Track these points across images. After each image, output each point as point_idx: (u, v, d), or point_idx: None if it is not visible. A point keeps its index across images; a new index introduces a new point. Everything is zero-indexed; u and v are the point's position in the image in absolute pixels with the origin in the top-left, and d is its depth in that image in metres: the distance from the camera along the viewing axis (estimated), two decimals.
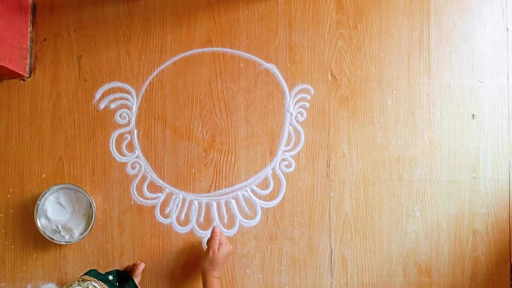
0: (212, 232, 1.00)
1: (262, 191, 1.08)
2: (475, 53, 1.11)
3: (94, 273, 0.98)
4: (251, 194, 1.08)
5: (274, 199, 1.08)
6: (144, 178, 1.07)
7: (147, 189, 1.07)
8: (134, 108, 1.08)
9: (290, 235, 1.08)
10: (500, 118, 1.10)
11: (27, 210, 1.05)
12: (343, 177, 1.08)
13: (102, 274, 1.00)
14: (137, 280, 1.00)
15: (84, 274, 0.98)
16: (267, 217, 1.08)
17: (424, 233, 1.08)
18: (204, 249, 1.06)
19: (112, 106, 1.08)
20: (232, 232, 1.07)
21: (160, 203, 1.07)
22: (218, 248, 0.98)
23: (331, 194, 1.08)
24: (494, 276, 1.09)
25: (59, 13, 1.08)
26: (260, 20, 1.09)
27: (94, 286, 0.93)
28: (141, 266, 1.03)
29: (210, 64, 1.08)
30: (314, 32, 1.09)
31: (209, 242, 1.00)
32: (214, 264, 0.97)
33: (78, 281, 0.95)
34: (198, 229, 1.07)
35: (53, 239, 1.02)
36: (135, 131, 1.07)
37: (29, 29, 1.07)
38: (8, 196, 1.06)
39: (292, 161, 1.08)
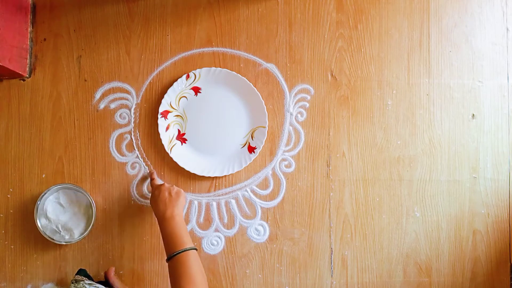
0: (150, 173, 1.05)
1: (262, 191, 1.08)
2: (475, 53, 1.11)
3: (84, 273, 0.98)
4: (251, 194, 1.08)
5: (274, 199, 1.08)
6: (144, 178, 1.07)
7: (147, 189, 1.07)
8: (134, 108, 1.08)
9: (290, 235, 1.08)
10: (500, 118, 1.10)
11: (27, 210, 1.06)
12: (343, 177, 1.08)
13: (90, 276, 0.99)
14: (118, 284, 0.99)
15: (75, 275, 0.98)
16: (267, 217, 1.08)
17: (424, 233, 1.09)
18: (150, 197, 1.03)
19: (112, 106, 1.08)
20: (232, 232, 1.07)
21: None
22: None
23: (331, 194, 1.08)
24: (494, 276, 1.09)
25: (59, 13, 1.08)
26: (260, 20, 1.09)
27: (88, 284, 0.93)
28: (111, 271, 1.00)
29: (210, 64, 1.08)
30: (314, 32, 1.09)
31: (154, 182, 1.02)
32: (178, 198, 0.96)
33: (72, 282, 0.95)
34: (198, 229, 1.07)
35: (53, 239, 1.02)
36: (135, 131, 1.07)
37: (29, 29, 1.07)
38: (8, 196, 1.06)
39: (292, 161, 1.08)
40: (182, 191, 0.99)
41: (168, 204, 0.94)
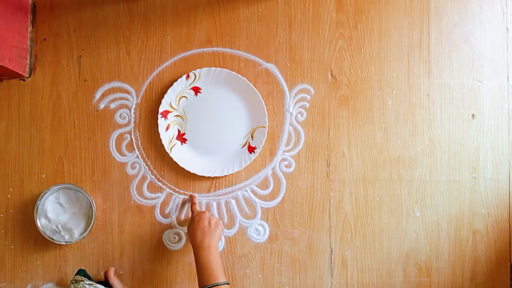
0: (191, 197, 1.05)
1: (262, 191, 1.08)
2: (475, 53, 1.11)
3: (84, 273, 0.98)
4: (251, 194, 1.08)
5: (274, 199, 1.08)
6: (144, 178, 1.07)
7: (147, 189, 1.07)
8: (134, 108, 1.08)
9: (290, 235, 1.08)
10: (500, 118, 1.10)
11: (27, 210, 1.06)
12: (343, 177, 1.08)
13: (90, 276, 0.99)
14: (118, 284, 0.99)
15: (75, 275, 0.98)
16: (267, 217, 1.08)
17: (424, 233, 1.09)
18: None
19: (112, 106, 1.08)
20: (232, 232, 1.07)
21: (160, 203, 1.07)
22: None
23: (331, 194, 1.08)
24: (494, 276, 1.09)
25: (59, 13, 1.08)
26: (260, 20, 1.09)
27: (88, 284, 0.93)
28: (111, 271, 1.00)
29: (210, 64, 1.08)
30: (314, 32, 1.09)
31: (195, 207, 1.02)
32: (216, 229, 0.97)
33: (72, 282, 0.95)
34: None
35: (53, 239, 1.02)
36: (135, 131, 1.07)
37: (29, 29, 1.07)
38: (8, 196, 1.06)
39: (292, 161, 1.08)
40: (221, 222, 1.00)
41: (206, 233, 0.94)
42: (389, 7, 1.10)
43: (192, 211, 1.03)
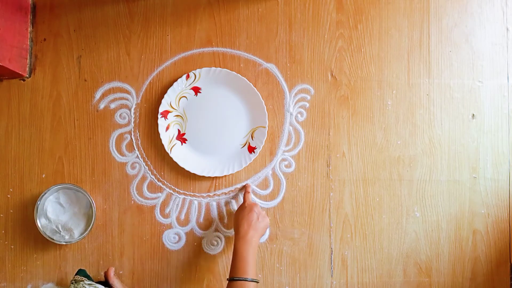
0: (247, 185, 1.06)
1: (262, 191, 1.08)
2: (475, 53, 1.11)
3: (84, 273, 0.98)
4: (251, 194, 1.08)
5: (274, 199, 1.08)
6: (144, 178, 1.07)
7: (147, 189, 1.07)
8: (134, 108, 1.08)
9: (290, 235, 1.08)
10: (500, 118, 1.10)
11: (27, 210, 1.06)
12: (343, 177, 1.08)
13: (90, 276, 0.99)
14: (118, 284, 0.99)
15: (75, 275, 0.98)
16: None
17: (424, 233, 1.09)
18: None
19: (112, 106, 1.08)
20: (232, 232, 1.07)
21: (160, 203, 1.07)
22: None
23: (331, 194, 1.08)
24: (494, 276, 1.09)
25: (59, 13, 1.08)
26: (260, 20, 1.09)
27: (88, 284, 0.93)
28: (111, 271, 0.99)
29: (210, 64, 1.08)
30: (314, 32, 1.09)
31: (248, 196, 1.03)
32: (262, 225, 0.97)
33: (71, 282, 0.95)
34: (198, 229, 1.07)
35: (53, 239, 1.02)
36: (135, 131, 1.07)
37: (29, 29, 1.07)
38: (8, 196, 1.06)
39: (292, 161, 1.08)
40: (268, 220, 1.01)
41: (252, 226, 0.95)
42: (389, 7, 1.10)
43: (244, 200, 1.03)
